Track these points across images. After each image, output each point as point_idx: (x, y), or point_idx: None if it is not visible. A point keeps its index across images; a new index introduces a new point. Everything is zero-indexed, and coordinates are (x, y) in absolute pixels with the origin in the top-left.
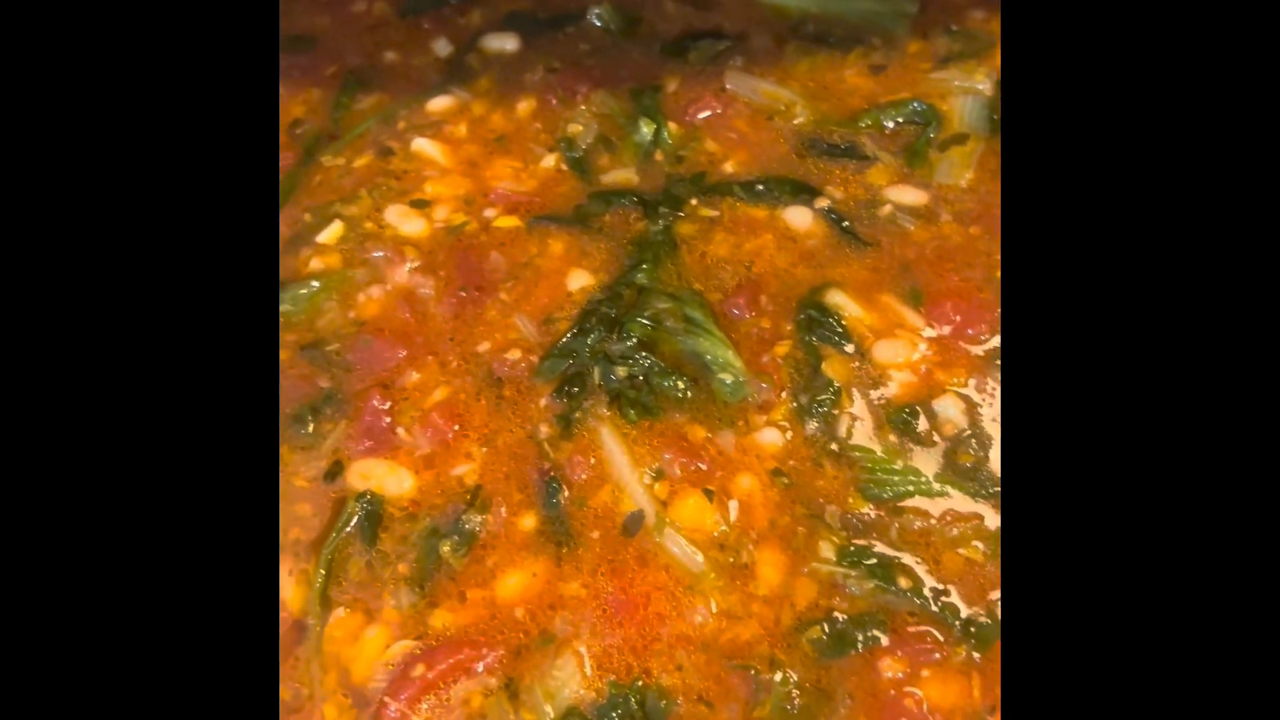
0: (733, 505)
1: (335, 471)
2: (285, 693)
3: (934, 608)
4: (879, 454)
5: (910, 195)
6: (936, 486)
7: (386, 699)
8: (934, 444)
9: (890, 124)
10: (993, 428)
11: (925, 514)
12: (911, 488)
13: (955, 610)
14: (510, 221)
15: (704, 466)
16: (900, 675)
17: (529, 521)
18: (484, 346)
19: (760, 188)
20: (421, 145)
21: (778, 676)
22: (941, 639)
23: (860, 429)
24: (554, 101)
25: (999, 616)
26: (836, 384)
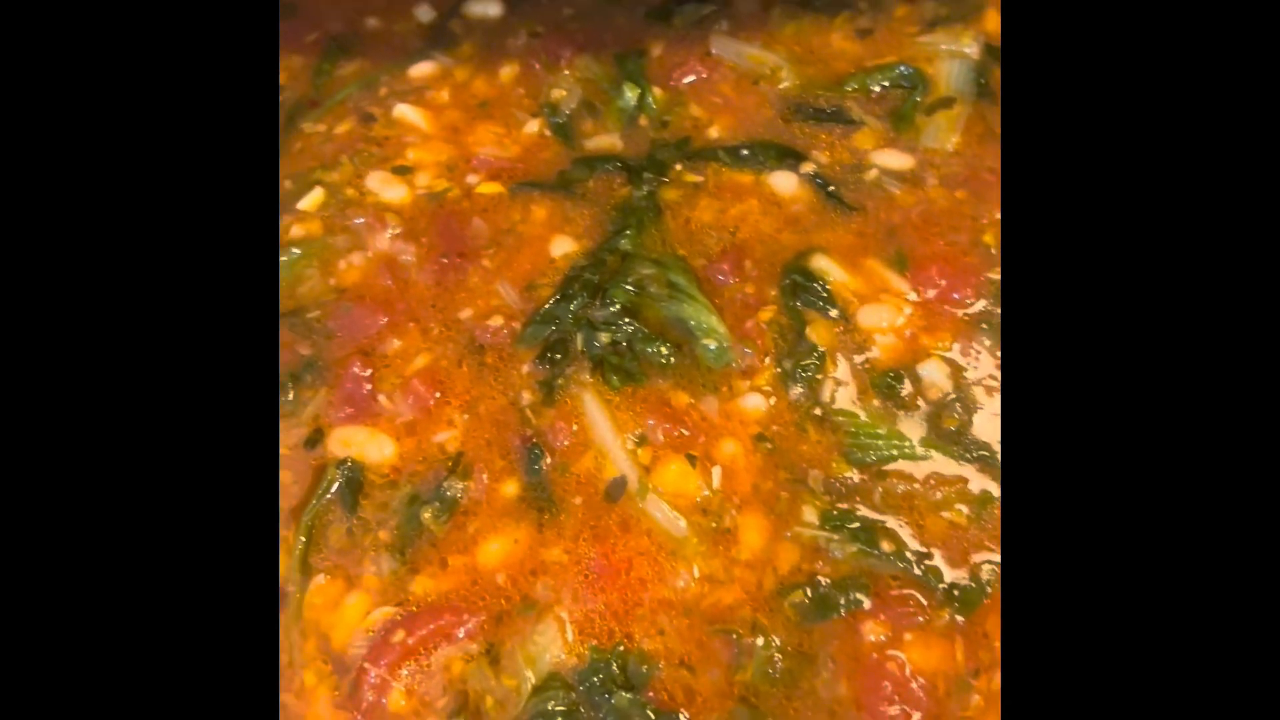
0: (716, 470)
1: (316, 439)
2: None
3: (917, 571)
4: (863, 418)
5: (896, 159)
6: (920, 450)
7: (366, 665)
8: (918, 408)
9: (876, 88)
10: (977, 391)
11: (909, 478)
12: (895, 452)
13: (938, 573)
14: (493, 188)
15: (687, 432)
16: (883, 638)
17: (511, 488)
18: (466, 313)
19: (745, 152)
20: (403, 111)
21: (760, 640)
22: (924, 602)
23: (844, 394)
24: (537, 67)
25: (982, 580)
26: (821, 349)
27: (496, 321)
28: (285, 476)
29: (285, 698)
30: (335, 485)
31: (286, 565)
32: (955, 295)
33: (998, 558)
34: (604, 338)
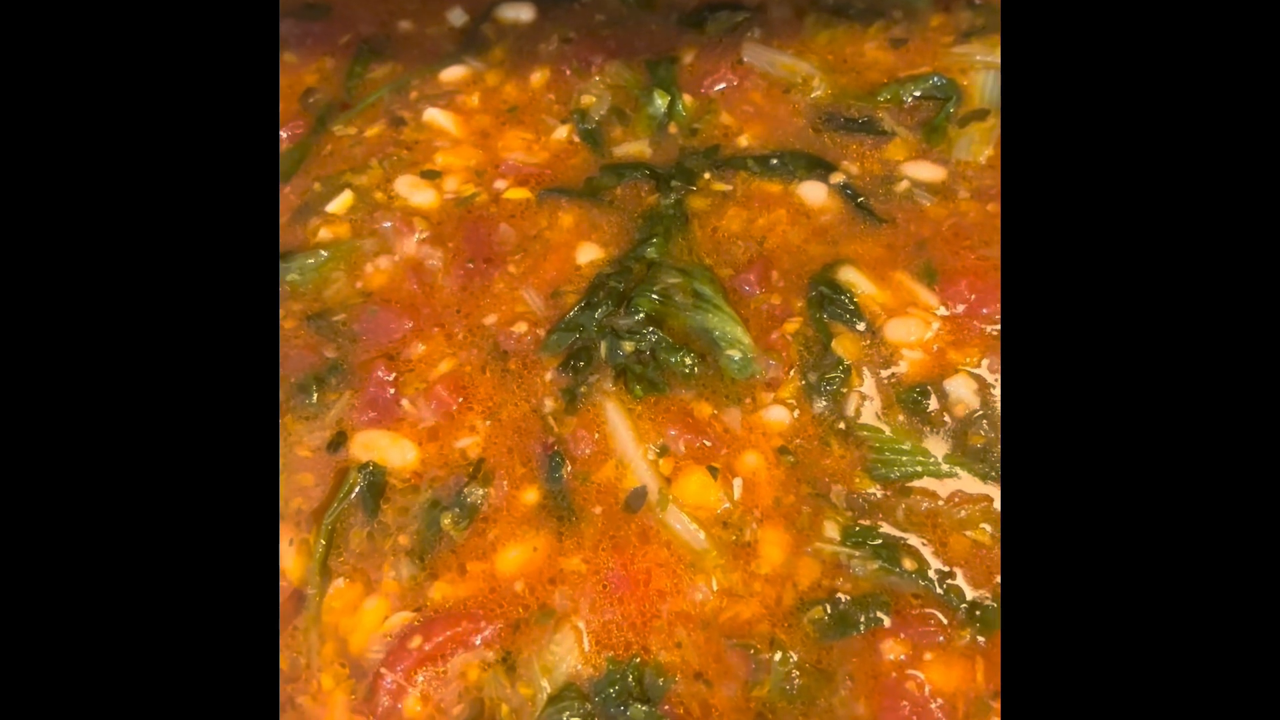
0: (737, 483)
1: (338, 442)
2: (283, 662)
3: (939, 590)
4: (887, 434)
5: (928, 171)
6: (945, 467)
7: (383, 670)
8: (944, 424)
9: (909, 99)
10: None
11: (933, 495)
12: (920, 468)
13: (960, 593)
14: (520, 193)
15: (709, 443)
16: (902, 657)
17: (531, 495)
18: (490, 319)
19: (775, 162)
20: (433, 115)
21: (778, 656)
22: (945, 622)
23: (869, 408)
24: (568, 72)
25: None
26: (846, 362)
27: (521, 328)
28: (307, 479)
29: (301, 700)
30: (357, 489)
31: (306, 568)
32: (985, 310)
33: None
34: (628, 346)
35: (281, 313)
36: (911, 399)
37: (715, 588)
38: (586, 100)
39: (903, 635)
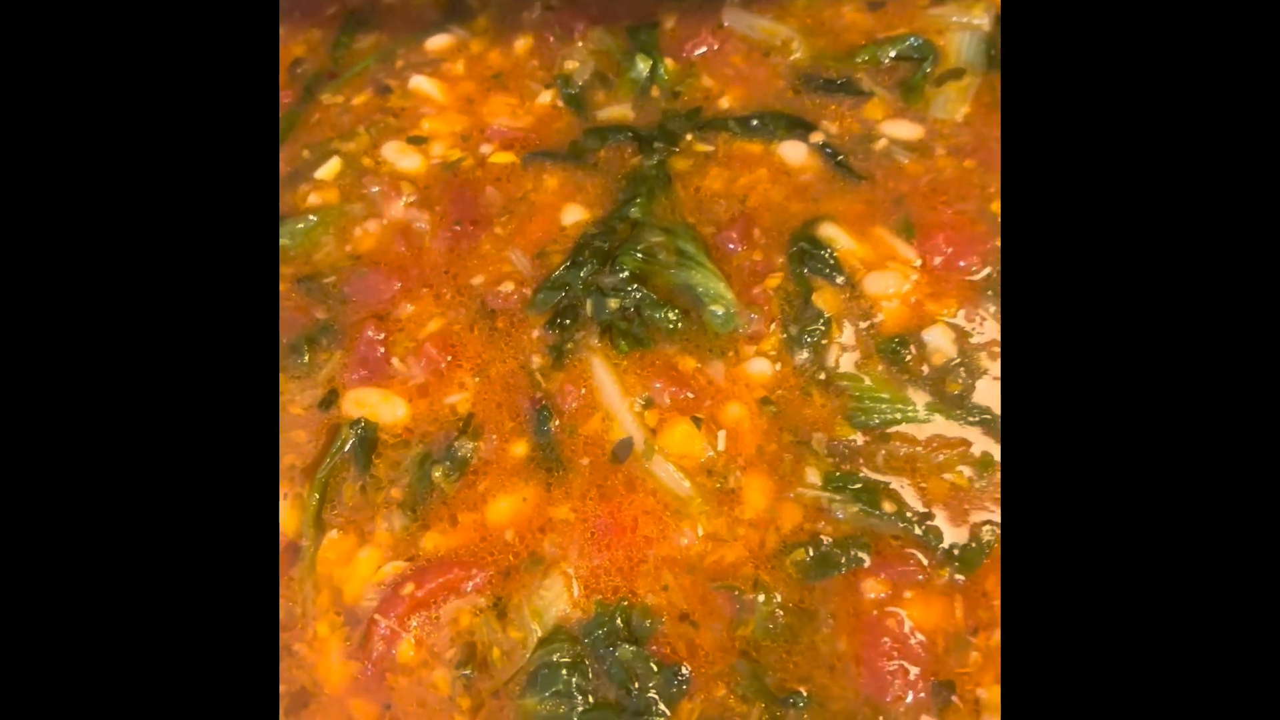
0: (721, 433)
1: (330, 400)
2: (279, 611)
3: (918, 531)
4: (867, 383)
5: (905, 129)
6: (924, 414)
7: (377, 617)
8: (922, 373)
9: (887, 59)
10: (981, 356)
11: (912, 440)
12: (899, 415)
13: (939, 533)
14: (506, 157)
15: (693, 395)
16: (883, 596)
17: (520, 448)
18: (478, 279)
19: (755, 123)
20: (419, 83)
21: (761, 597)
22: (925, 561)
23: (849, 359)
24: (551, 39)
25: (983, 540)
26: (827, 315)
27: (508, 288)
28: (300, 435)
29: (298, 648)
30: (349, 444)
31: (300, 521)
32: (961, 263)
33: (998, 518)
34: (613, 304)
35: None
36: (890, 349)
37: (700, 533)
38: (570, 65)
39: (883, 575)
